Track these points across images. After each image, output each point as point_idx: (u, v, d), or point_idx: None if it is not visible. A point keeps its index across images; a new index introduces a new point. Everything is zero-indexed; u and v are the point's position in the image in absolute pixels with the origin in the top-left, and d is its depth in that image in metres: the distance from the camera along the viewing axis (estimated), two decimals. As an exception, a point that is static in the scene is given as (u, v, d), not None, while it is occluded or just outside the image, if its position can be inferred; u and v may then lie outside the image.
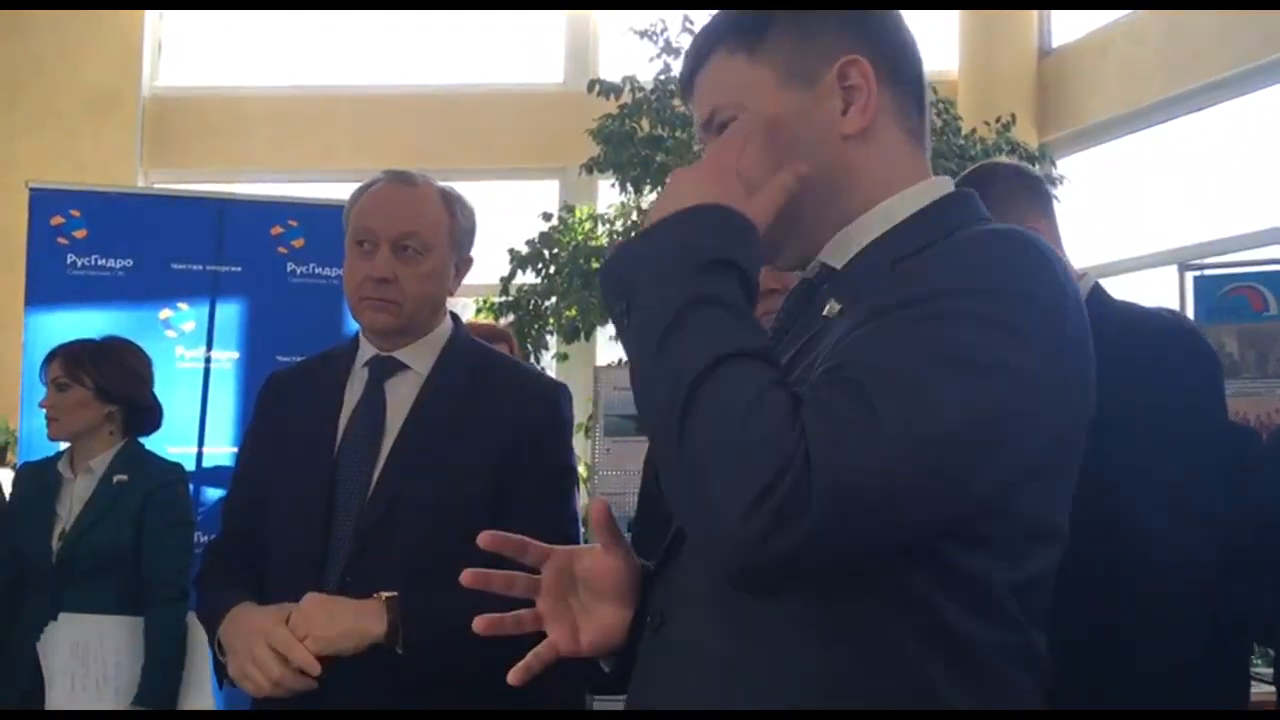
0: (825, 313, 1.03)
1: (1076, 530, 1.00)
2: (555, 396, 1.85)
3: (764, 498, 0.83)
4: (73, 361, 2.72)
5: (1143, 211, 6.72)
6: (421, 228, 1.80)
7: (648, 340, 0.93)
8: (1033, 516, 0.96)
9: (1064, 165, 6.77)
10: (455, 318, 1.90)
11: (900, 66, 1.09)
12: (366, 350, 1.85)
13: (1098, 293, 1.95)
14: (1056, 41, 7.52)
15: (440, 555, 1.62)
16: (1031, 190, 1.99)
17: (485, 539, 1.12)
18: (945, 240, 0.98)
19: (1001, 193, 1.94)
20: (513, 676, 1.12)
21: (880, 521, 0.86)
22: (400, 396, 1.80)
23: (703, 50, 1.11)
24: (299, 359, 2.03)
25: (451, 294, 1.88)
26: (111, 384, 2.73)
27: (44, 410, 2.74)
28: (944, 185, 1.09)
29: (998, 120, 6.11)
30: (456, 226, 1.87)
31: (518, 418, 1.77)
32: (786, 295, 1.15)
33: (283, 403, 1.88)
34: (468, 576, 1.11)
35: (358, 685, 1.62)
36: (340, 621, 1.59)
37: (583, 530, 1.93)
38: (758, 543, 0.84)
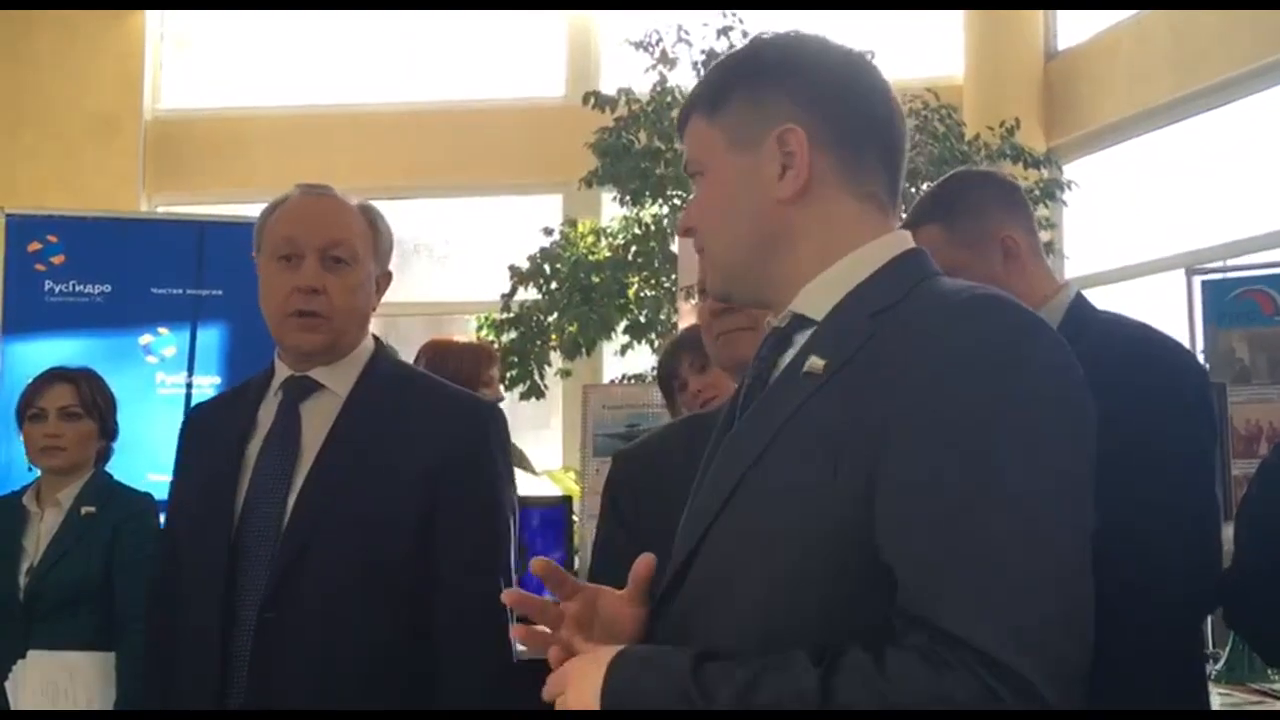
0: (807, 369, 1.07)
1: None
2: (484, 416, 1.78)
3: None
4: (87, 392, 2.68)
5: (1150, 215, 6.61)
6: (348, 236, 1.75)
7: None
8: None
9: (1071, 169, 6.68)
10: (377, 339, 1.83)
11: (852, 133, 1.14)
12: (282, 372, 1.78)
13: (1080, 303, 1.88)
14: (1063, 44, 7.43)
15: (366, 582, 1.62)
16: (1005, 198, 1.92)
17: (538, 565, 1.14)
18: (914, 304, 1.04)
19: (973, 203, 1.88)
20: (516, 631, 1.17)
21: (1078, 659, 0.93)
22: (317, 419, 1.73)
23: (685, 110, 1.22)
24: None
25: (373, 310, 1.81)
26: (110, 418, 2.72)
27: (36, 438, 2.67)
28: (902, 241, 1.14)
29: (1002, 124, 6.01)
30: (379, 239, 1.81)
31: (443, 438, 1.69)
32: (760, 343, 1.19)
33: (198, 437, 1.83)
34: (510, 596, 1.15)
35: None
36: None
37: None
38: None
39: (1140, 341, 1.79)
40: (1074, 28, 7.34)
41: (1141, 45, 6.63)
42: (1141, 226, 6.60)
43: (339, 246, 1.73)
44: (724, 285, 1.20)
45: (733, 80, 1.16)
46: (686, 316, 3.87)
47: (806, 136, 1.11)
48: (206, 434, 1.81)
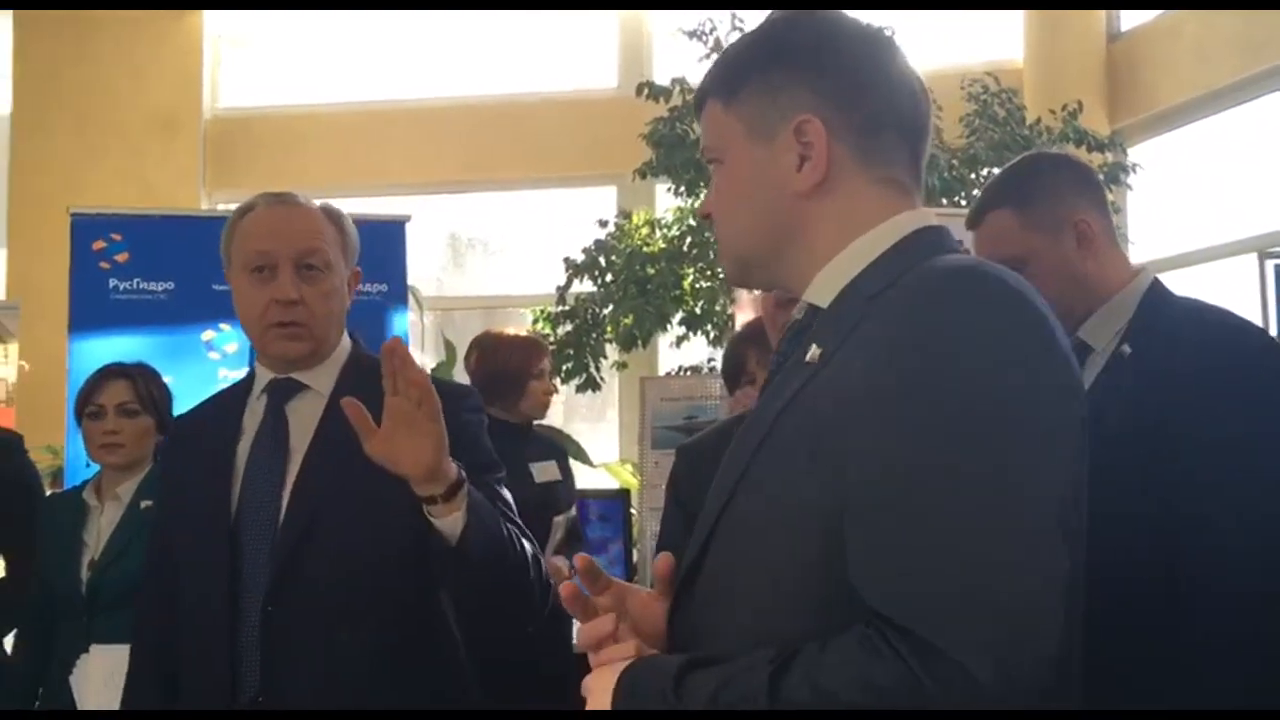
0: (807, 358, 1.06)
1: (1136, 531, 1.10)
2: (470, 402, 1.80)
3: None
4: (144, 388, 2.70)
5: (1220, 198, 6.44)
6: (320, 244, 1.76)
7: None
8: None
9: (1136, 152, 6.53)
10: (353, 336, 1.85)
11: (872, 117, 1.11)
12: (264, 376, 1.80)
13: (1156, 288, 1.82)
14: (1126, 25, 7.26)
15: (367, 567, 1.65)
16: (1079, 181, 1.86)
17: (579, 562, 1.15)
18: (901, 284, 1.01)
19: (1046, 187, 1.83)
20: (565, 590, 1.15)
21: (1034, 648, 0.89)
22: (303, 418, 1.75)
23: (700, 94, 1.19)
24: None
25: (347, 309, 1.82)
26: (166, 413, 2.73)
27: (95, 435, 2.69)
28: (915, 219, 1.11)
29: (1064, 108, 5.89)
30: (346, 239, 1.82)
31: None
32: (780, 337, 1.19)
33: (185, 445, 1.84)
34: (567, 589, 1.15)
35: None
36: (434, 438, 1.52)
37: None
38: None
39: (1219, 326, 1.73)
40: (1137, 9, 7.17)
41: (1206, 25, 6.46)
42: (1209, 210, 6.44)
43: (312, 255, 1.74)
44: (739, 274, 1.20)
45: (748, 66, 1.13)
46: (744, 308, 3.83)
47: (825, 126, 1.08)
48: (193, 441, 1.83)
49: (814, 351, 1.05)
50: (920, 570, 0.88)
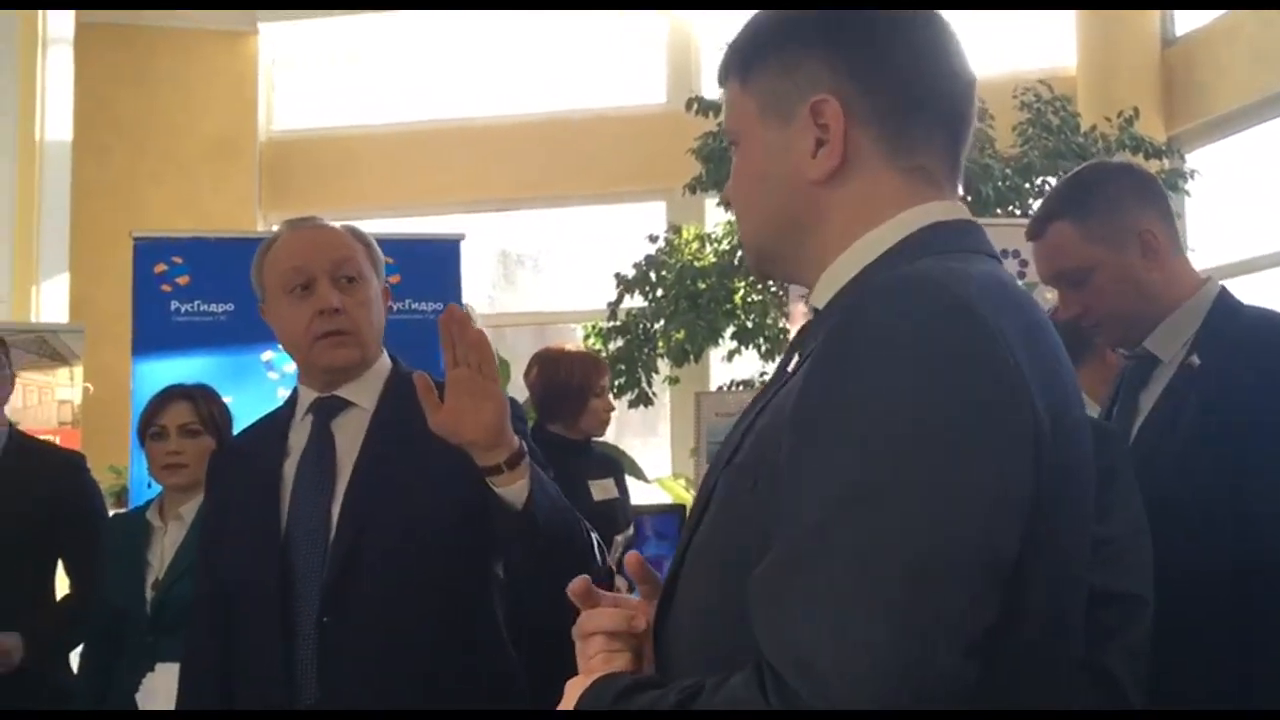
0: (789, 368, 0.99)
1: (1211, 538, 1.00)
2: (512, 411, 1.77)
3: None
4: (205, 409, 2.74)
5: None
6: (352, 255, 1.79)
7: None
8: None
9: (1194, 158, 6.43)
10: (392, 355, 1.87)
11: (901, 101, 0.99)
12: (307, 396, 1.82)
13: (1225, 297, 1.80)
14: (1180, 29, 7.16)
15: (417, 580, 1.67)
16: (1142, 190, 1.83)
17: (631, 559, 1.12)
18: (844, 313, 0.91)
19: (1109, 197, 1.80)
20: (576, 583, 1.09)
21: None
22: (349, 435, 1.76)
23: (720, 73, 1.10)
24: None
25: (383, 322, 1.85)
26: (227, 433, 2.77)
27: (158, 456, 2.74)
28: (928, 213, 0.99)
29: (1120, 115, 5.81)
30: (374, 254, 1.85)
31: None
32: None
33: (232, 468, 1.86)
34: (580, 582, 1.10)
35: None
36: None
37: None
38: None
39: None
40: (1192, 13, 7.07)
41: (1265, 28, 6.35)
42: (1270, 216, 6.32)
43: (346, 265, 1.77)
44: (757, 265, 1.11)
45: (765, 41, 1.04)
46: (798, 320, 3.81)
47: (843, 108, 0.98)
48: (241, 464, 1.85)
49: (795, 361, 0.98)
50: (792, 613, 0.81)
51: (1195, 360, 1.73)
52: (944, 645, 0.79)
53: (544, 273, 8.57)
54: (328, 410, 1.79)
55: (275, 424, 1.86)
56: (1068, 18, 7.34)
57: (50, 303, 6.16)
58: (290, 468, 1.76)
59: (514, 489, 1.56)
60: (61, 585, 2.99)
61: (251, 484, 1.78)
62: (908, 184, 1.00)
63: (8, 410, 2.99)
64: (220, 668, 1.77)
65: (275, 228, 1.95)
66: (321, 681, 1.66)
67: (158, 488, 2.84)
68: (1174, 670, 1.56)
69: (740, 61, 1.05)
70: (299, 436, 1.79)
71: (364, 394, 1.79)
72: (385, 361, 1.84)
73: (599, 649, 1.02)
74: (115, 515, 2.95)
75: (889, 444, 0.82)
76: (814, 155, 0.99)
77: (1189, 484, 1.65)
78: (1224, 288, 1.82)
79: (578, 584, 1.07)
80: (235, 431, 2.82)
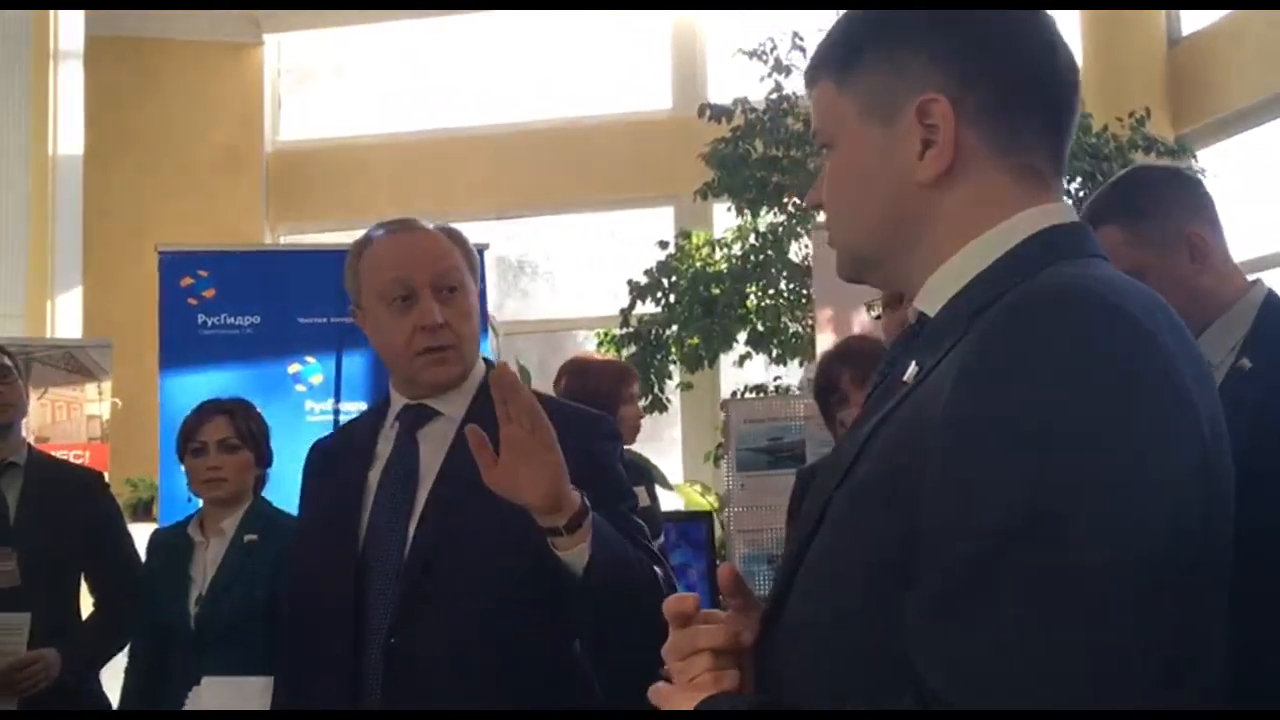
0: (905, 377, 0.96)
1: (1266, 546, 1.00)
2: (603, 429, 1.78)
3: None
4: (243, 423, 2.75)
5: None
6: (453, 264, 1.76)
7: None
8: None
9: (1205, 157, 6.44)
10: (488, 361, 1.83)
11: (1010, 97, 0.96)
12: (398, 402, 1.80)
13: (1273, 299, 1.80)
14: (1186, 28, 7.18)
15: (491, 602, 1.62)
16: (1188, 194, 1.83)
17: (724, 571, 1.10)
18: (1000, 304, 0.88)
19: (1156, 202, 1.80)
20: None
21: None
22: (434, 445, 1.73)
23: (809, 74, 1.07)
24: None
25: (481, 330, 1.83)
26: (265, 447, 2.78)
27: (198, 471, 2.74)
28: (1044, 217, 0.96)
29: (1130, 115, 5.83)
30: (471, 259, 1.82)
31: (565, 451, 1.63)
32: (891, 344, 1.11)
33: (321, 470, 1.85)
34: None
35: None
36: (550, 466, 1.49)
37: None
38: None
39: None
40: (1198, 12, 7.09)
41: (1272, 27, 6.37)
42: (1278, 215, 6.34)
43: (448, 275, 1.74)
44: (852, 270, 1.06)
45: (865, 37, 1.00)
46: (824, 327, 3.82)
47: (953, 107, 0.95)
48: (329, 466, 1.84)
49: (911, 370, 0.95)
50: (967, 648, 0.79)
51: (1246, 363, 1.73)
52: (1138, 674, 0.77)
53: (551, 280, 8.58)
54: (415, 419, 1.76)
55: (367, 426, 1.84)
56: (1072, 18, 7.36)
57: (65, 317, 6.17)
58: (374, 476, 1.74)
59: (574, 553, 1.51)
60: (85, 604, 3.00)
61: (336, 491, 1.76)
62: (1018, 183, 0.97)
63: (37, 428, 3.01)
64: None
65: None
66: (386, 702, 1.64)
67: (195, 503, 2.86)
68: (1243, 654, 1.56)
69: (835, 62, 1.02)
70: (386, 442, 1.77)
71: (453, 404, 1.75)
72: (480, 368, 1.80)
73: (706, 666, 0.99)
74: (156, 532, 2.96)
75: (1068, 465, 0.79)
76: (921, 156, 0.96)
77: (1246, 487, 1.65)
78: (1272, 290, 1.81)
79: (672, 603, 1.03)
80: (273, 446, 2.84)
